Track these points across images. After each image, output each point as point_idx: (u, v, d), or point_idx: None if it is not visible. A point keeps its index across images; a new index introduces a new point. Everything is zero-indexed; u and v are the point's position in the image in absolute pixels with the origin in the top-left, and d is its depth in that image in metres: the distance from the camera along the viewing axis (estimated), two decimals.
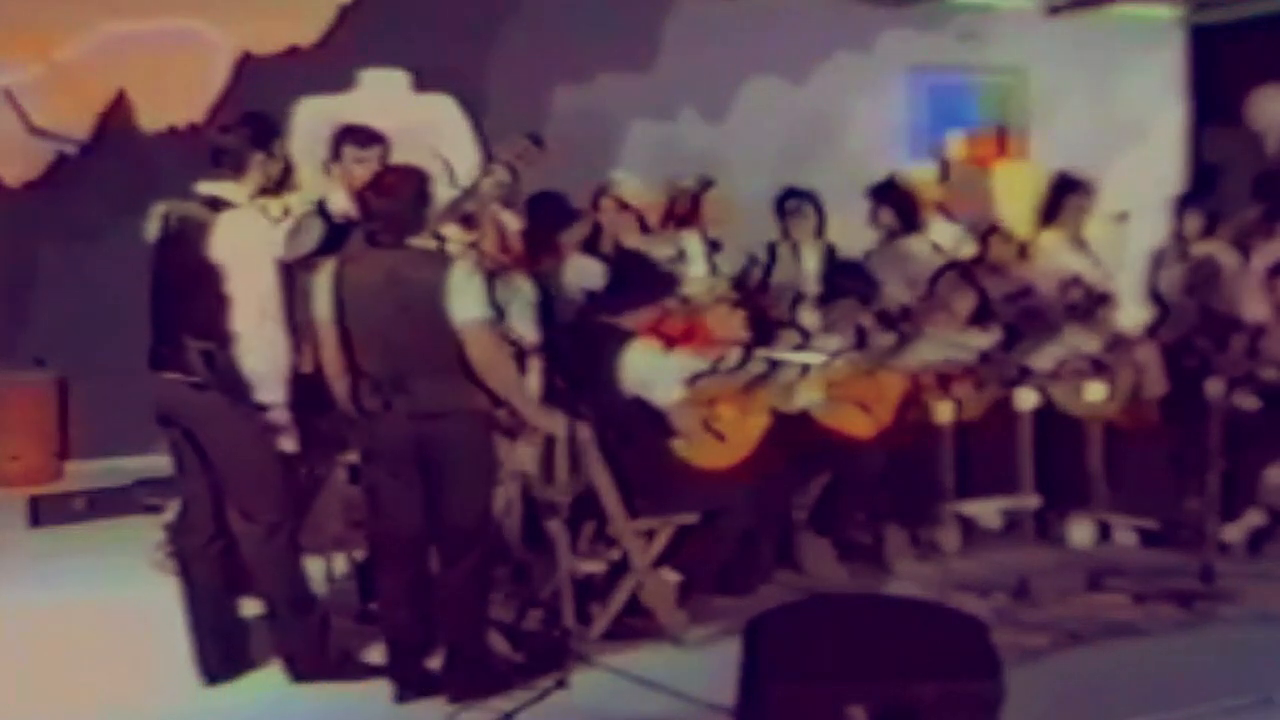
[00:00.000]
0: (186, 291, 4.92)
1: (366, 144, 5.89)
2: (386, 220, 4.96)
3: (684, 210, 7.65)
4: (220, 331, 4.86)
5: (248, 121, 5.12)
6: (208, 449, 5.02)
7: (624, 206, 7.27)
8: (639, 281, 6.06)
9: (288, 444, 5.04)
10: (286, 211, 5.53)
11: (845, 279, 7.17)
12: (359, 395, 4.95)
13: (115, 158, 8.81)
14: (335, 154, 5.93)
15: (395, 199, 4.98)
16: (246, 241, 4.91)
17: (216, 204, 4.94)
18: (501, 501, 5.40)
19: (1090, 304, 7.29)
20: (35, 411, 8.63)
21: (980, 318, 7.13)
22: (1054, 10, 11.35)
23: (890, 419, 6.51)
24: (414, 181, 5.06)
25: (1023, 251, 7.76)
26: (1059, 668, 5.24)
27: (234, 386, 4.89)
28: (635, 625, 5.56)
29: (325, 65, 9.03)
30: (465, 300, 4.85)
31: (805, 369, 6.43)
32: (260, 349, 4.88)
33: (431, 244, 5.22)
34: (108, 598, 6.18)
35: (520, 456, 5.45)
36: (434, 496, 4.94)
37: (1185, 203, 7.94)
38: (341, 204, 5.76)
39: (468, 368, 4.87)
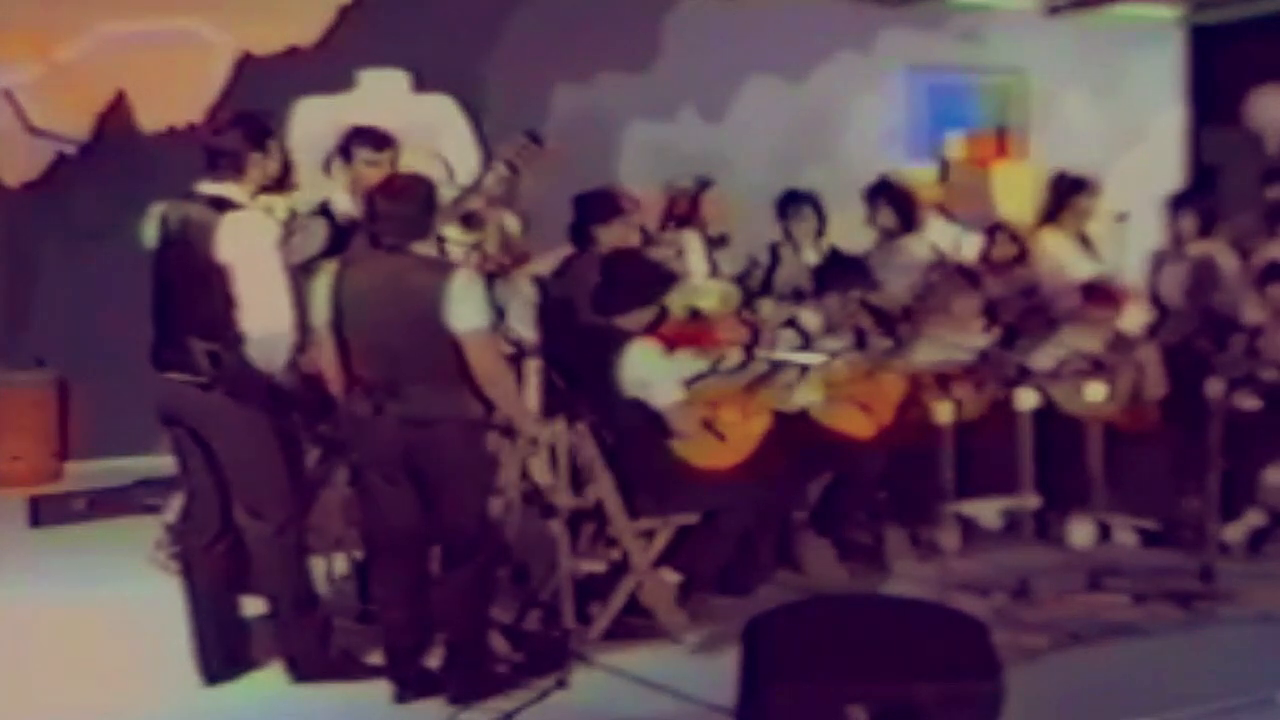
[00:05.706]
0: (191, 292, 4.91)
1: (379, 147, 5.87)
2: (390, 225, 4.93)
3: (683, 210, 7.65)
4: (226, 332, 4.85)
5: (240, 122, 5.08)
6: (215, 448, 5.00)
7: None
8: (635, 282, 6.00)
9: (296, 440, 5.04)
10: (293, 214, 5.52)
11: (843, 273, 7.16)
12: (352, 400, 4.94)
13: (115, 158, 8.81)
14: (345, 155, 5.91)
15: (401, 204, 4.95)
16: (252, 241, 4.89)
17: (220, 204, 4.92)
18: (502, 504, 5.39)
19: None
20: (35, 411, 8.63)
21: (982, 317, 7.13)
22: (1054, 10, 11.35)
23: (890, 419, 6.51)
24: (420, 188, 5.04)
25: (1024, 251, 7.75)
26: (1059, 668, 5.24)
27: (241, 385, 4.88)
28: (635, 625, 5.55)
29: (325, 65, 9.05)
30: (467, 309, 4.82)
31: (805, 369, 6.43)
32: (267, 348, 4.87)
33: (434, 249, 5.20)
34: (108, 597, 6.17)
35: (532, 468, 5.43)
36: (428, 502, 4.92)
37: (1179, 203, 7.91)
38: (345, 205, 5.75)
39: (463, 376, 4.84)
